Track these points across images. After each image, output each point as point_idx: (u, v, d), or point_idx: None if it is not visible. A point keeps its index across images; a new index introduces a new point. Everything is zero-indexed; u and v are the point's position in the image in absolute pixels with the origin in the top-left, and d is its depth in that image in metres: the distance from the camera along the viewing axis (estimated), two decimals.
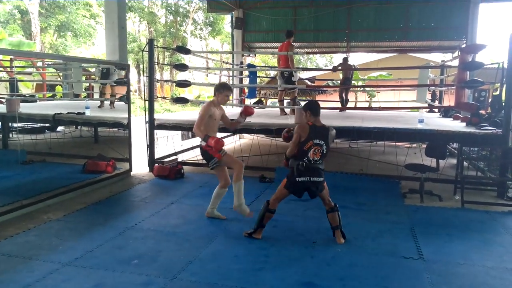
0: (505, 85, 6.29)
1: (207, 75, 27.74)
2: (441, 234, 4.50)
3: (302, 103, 13.21)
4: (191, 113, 10.50)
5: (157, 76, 26.81)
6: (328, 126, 4.17)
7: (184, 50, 8.46)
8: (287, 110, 8.88)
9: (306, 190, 4.14)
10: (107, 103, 8.98)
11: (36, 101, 11.76)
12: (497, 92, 7.77)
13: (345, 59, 11.12)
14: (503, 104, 6.34)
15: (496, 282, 3.40)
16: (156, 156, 7.64)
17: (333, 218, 4.22)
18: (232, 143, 10.50)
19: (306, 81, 16.45)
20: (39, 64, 11.47)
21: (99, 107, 8.94)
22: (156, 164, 7.29)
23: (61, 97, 12.84)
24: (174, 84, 8.90)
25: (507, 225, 4.89)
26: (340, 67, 10.71)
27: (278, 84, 8.70)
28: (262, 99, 15.68)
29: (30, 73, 13.17)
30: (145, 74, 7.75)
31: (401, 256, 3.89)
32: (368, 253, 3.97)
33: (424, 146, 7.27)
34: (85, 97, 10.47)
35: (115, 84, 8.66)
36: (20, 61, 11.33)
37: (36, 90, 15.20)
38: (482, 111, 7.75)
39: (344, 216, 5.04)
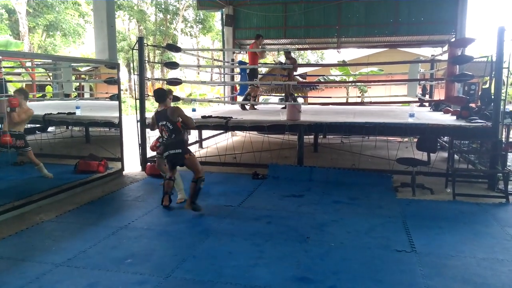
0: (494, 78, 6.36)
1: (198, 73, 27.68)
2: (433, 226, 4.54)
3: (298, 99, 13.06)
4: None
5: (148, 74, 26.59)
6: (167, 108, 4.94)
7: (174, 48, 8.43)
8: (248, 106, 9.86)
9: (172, 161, 5.07)
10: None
11: None
12: (487, 85, 7.84)
13: (286, 52, 9.85)
14: (493, 97, 6.40)
15: (487, 273, 3.44)
16: (148, 155, 7.59)
17: (193, 188, 4.93)
18: (224, 140, 10.49)
19: (298, 77, 16.46)
20: (28, 64, 11.33)
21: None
22: (148, 163, 7.26)
23: (51, 97, 12.70)
24: (165, 82, 8.83)
25: (498, 216, 4.95)
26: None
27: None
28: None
29: (19, 74, 13.00)
30: (135, 73, 7.69)
31: (394, 249, 3.92)
32: (361, 247, 4.00)
33: (415, 140, 7.33)
34: (75, 97, 10.38)
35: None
36: (9, 61, 11.17)
37: None
38: (472, 104, 7.82)
39: (337, 211, 5.11)
